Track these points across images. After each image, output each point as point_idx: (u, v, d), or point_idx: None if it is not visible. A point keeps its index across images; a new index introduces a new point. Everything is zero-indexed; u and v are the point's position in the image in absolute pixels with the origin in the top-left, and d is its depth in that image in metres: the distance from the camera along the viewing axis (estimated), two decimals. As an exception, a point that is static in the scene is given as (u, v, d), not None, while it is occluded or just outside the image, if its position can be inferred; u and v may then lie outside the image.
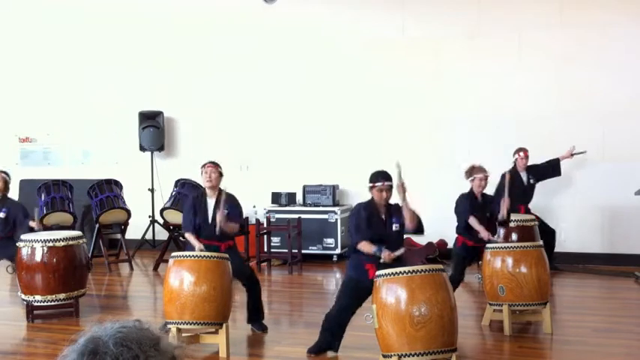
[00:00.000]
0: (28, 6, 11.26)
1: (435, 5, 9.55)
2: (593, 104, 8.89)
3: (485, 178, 6.43)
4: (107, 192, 9.13)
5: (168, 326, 5.29)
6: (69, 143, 11.23)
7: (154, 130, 10.31)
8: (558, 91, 9.03)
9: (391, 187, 5.20)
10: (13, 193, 10.73)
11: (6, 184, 7.40)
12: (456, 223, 6.59)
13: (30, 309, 6.48)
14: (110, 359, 1.28)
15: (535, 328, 6.04)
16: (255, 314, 6.04)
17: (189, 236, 5.88)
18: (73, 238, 6.60)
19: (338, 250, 9.28)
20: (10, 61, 11.36)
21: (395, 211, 5.26)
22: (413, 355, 4.43)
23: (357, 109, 9.74)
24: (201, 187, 6.16)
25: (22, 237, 6.65)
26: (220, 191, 5.89)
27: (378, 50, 9.70)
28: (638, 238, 8.78)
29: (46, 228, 8.66)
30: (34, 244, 6.45)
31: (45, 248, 6.41)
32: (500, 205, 6.48)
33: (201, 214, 5.86)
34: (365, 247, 5.12)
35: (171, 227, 9.23)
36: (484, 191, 6.53)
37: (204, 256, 5.39)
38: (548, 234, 8.49)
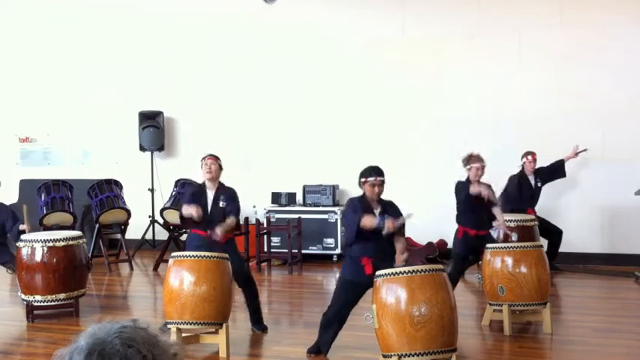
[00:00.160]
0: (28, 6, 11.26)
1: (435, 5, 9.55)
2: (593, 104, 8.89)
3: (482, 168, 6.44)
4: (107, 192, 9.13)
5: (168, 326, 5.28)
6: (69, 143, 11.23)
7: (154, 130, 10.32)
8: (558, 91, 9.03)
9: (383, 182, 5.17)
10: (13, 193, 10.78)
11: None
12: (456, 213, 6.58)
13: (30, 309, 6.48)
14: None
15: (535, 328, 6.04)
16: (255, 315, 6.04)
17: (186, 207, 5.76)
18: (73, 238, 6.59)
19: (338, 250, 9.28)
20: (10, 61, 11.36)
21: (387, 206, 5.22)
22: (413, 355, 4.43)
23: (357, 109, 9.74)
24: (202, 185, 6.13)
25: (22, 237, 6.65)
26: (220, 185, 5.88)
27: (378, 50, 9.70)
28: (638, 238, 8.78)
29: (46, 228, 8.68)
30: (34, 244, 6.44)
31: (45, 248, 6.41)
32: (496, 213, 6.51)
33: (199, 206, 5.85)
34: (367, 220, 5.03)
35: (171, 227, 9.23)
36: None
37: (204, 256, 5.38)
38: (554, 234, 8.50)
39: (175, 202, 9.07)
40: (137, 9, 10.75)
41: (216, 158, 5.93)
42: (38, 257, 6.42)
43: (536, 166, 8.51)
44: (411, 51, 9.57)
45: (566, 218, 8.93)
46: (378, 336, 4.62)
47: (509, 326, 5.73)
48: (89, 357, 1.28)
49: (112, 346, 1.29)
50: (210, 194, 5.89)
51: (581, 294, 7.65)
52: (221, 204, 5.83)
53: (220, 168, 5.92)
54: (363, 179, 5.21)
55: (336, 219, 9.34)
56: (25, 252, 6.47)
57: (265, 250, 9.25)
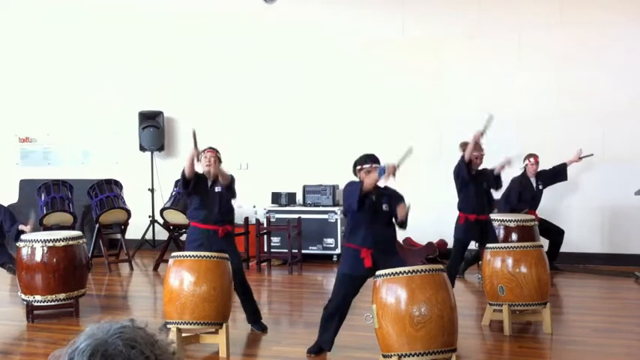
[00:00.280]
0: (28, 6, 11.26)
1: (435, 5, 9.56)
2: (593, 104, 8.89)
3: (481, 157, 6.57)
4: (107, 192, 9.13)
5: (168, 326, 5.29)
6: (69, 143, 11.23)
7: (154, 130, 10.32)
8: (558, 91, 9.03)
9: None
10: (13, 193, 10.79)
11: None
12: (457, 200, 6.68)
13: (30, 309, 6.48)
14: None
15: (535, 328, 6.04)
16: (253, 315, 6.05)
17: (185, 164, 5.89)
18: (73, 238, 6.59)
19: (338, 250, 9.28)
20: (10, 61, 11.36)
21: (384, 193, 5.22)
22: (413, 355, 4.43)
23: (357, 109, 9.74)
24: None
25: (23, 237, 6.65)
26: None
27: (378, 50, 9.70)
28: (638, 238, 8.79)
29: (46, 228, 8.68)
30: (34, 244, 6.44)
31: (45, 248, 6.41)
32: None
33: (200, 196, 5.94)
34: (369, 178, 5.03)
35: (172, 227, 9.23)
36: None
37: (204, 256, 5.38)
38: (556, 234, 8.51)
39: (175, 202, 9.08)
40: (137, 9, 10.75)
41: (215, 151, 6.05)
42: (38, 257, 6.42)
43: (538, 169, 8.52)
44: (411, 51, 9.58)
45: (567, 218, 8.93)
46: (378, 336, 4.61)
47: (509, 326, 5.73)
48: (92, 359, 1.28)
49: (114, 347, 1.28)
50: (209, 182, 6.04)
51: (581, 294, 7.65)
52: (217, 189, 5.96)
53: (219, 161, 6.02)
54: (358, 167, 5.20)
55: (336, 219, 9.34)
56: (25, 252, 6.47)
57: (265, 250, 9.25)
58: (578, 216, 9.01)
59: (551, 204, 8.93)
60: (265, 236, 9.28)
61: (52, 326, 6.36)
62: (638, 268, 8.28)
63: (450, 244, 7.32)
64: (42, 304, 6.47)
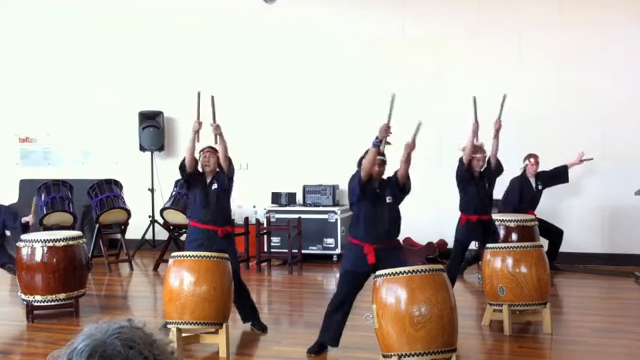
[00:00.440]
0: (28, 6, 11.26)
1: (435, 5, 9.55)
2: (593, 104, 8.89)
3: (483, 159, 6.58)
4: (107, 192, 9.13)
5: (169, 326, 5.29)
6: (69, 143, 11.23)
7: (154, 130, 10.32)
8: (558, 91, 9.03)
9: (384, 162, 5.25)
10: (13, 193, 10.78)
11: None
12: (459, 201, 6.69)
13: (30, 309, 6.48)
14: None
15: (535, 328, 6.04)
16: (251, 314, 6.05)
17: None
18: (73, 238, 6.60)
19: (338, 250, 9.28)
20: (10, 61, 11.36)
21: (388, 184, 5.26)
22: (413, 355, 4.43)
23: (357, 109, 9.73)
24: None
25: (23, 237, 6.65)
26: (216, 173, 5.96)
27: (378, 50, 9.70)
28: (638, 238, 8.78)
29: (46, 228, 8.68)
30: (34, 244, 6.44)
31: (45, 248, 6.41)
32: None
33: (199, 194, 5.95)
34: (368, 155, 5.12)
35: (171, 227, 9.23)
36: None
37: (204, 256, 5.39)
38: (555, 234, 8.51)
39: (175, 202, 9.08)
40: (137, 9, 10.75)
41: (214, 151, 6.06)
42: (38, 257, 6.42)
43: (538, 169, 8.52)
44: (411, 51, 9.57)
45: (567, 218, 8.93)
46: (378, 336, 4.62)
47: (509, 326, 5.73)
48: (90, 359, 1.28)
49: (112, 347, 1.28)
50: (207, 180, 6.08)
51: (581, 294, 7.65)
52: (214, 187, 5.99)
53: (218, 160, 6.01)
54: (363, 160, 5.27)
55: (336, 219, 9.34)
56: (25, 252, 6.47)
57: (265, 250, 9.25)
58: (578, 216, 9.01)
59: (551, 204, 8.93)
60: (265, 236, 9.28)
61: (52, 326, 6.36)
62: (638, 268, 8.28)
63: (450, 244, 7.32)
64: (42, 304, 6.47)
